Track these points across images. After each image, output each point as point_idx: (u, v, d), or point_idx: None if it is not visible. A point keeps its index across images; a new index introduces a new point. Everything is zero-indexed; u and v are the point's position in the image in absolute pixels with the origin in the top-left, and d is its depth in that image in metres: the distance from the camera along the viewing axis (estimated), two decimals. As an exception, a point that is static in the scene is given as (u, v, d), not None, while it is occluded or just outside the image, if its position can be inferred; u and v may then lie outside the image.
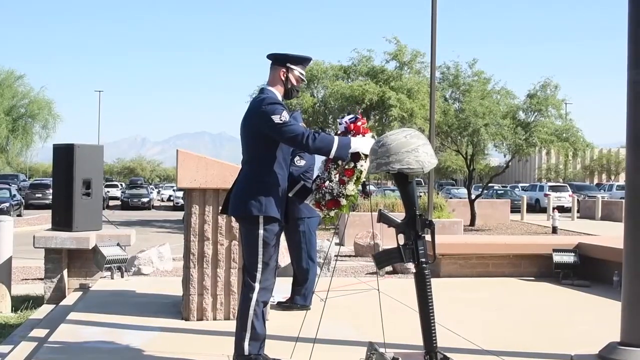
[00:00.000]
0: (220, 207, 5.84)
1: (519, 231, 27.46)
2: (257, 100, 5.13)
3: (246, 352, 4.98)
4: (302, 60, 5.30)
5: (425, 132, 24.97)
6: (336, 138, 4.98)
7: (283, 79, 5.21)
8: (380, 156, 4.47)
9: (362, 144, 4.97)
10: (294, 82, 5.26)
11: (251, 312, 4.97)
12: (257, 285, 5.00)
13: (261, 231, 4.98)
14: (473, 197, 30.39)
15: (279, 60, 5.24)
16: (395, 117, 27.16)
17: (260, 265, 5.01)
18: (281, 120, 4.91)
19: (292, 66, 5.22)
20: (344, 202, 5.03)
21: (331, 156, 4.97)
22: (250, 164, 5.11)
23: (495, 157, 44.39)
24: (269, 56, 5.30)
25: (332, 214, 5.13)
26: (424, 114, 26.85)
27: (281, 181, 5.11)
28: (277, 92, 5.20)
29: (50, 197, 39.83)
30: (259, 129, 5.01)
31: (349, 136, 5.02)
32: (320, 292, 7.08)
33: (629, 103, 5.55)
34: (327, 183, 5.07)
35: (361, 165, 5.02)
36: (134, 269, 11.55)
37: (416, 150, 4.39)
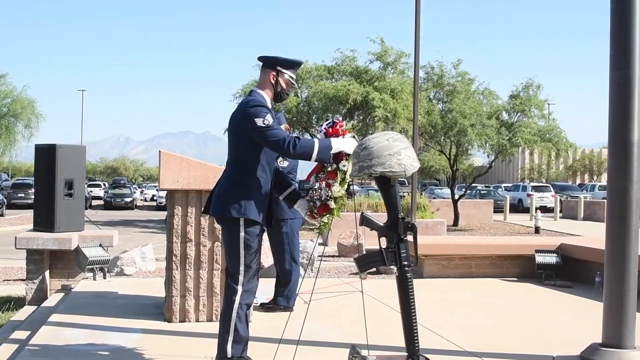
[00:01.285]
0: (202, 208, 5.82)
1: (502, 231, 27.53)
2: (243, 102, 5.13)
3: (229, 354, 4.97)
4: (293, 64, 5.28)
5: (409, 132, 25.04)
6: (316, 141, 4.97)
7: (273, 82, 5.19)
8: (362, 159, 4.47)
9: (343, 143, 4.98)
10: (284, 86, 5.23)
11: (234, 314, 4.96)
12: (239, 288, 4.99)
13: (242, 233, 4.96)
14: (456, 197, 30.45)
15: (269, 63, 5.22)
16: (379, 117, 27.15)
17: (242, 268, 5.00)
18: (264, 123, 4.90)
19: (282, 70, 5.20)
20: (333, 205, 5.03)
21: (313, 160, 4.97)
22: (234, 164, 5.09)
23: (479, 157, 44.57)
24: (260, 58, 5.29)
25: (325, 220, 5.13)
26: (408, 114, 26.86)
27: (264, 183, 5.09)
28: (266, 95, 5.19)
29: (32, 196, 39.54)
30: (243, 130, 5.01)
31: (334, 145, 5.00)
32: (303, 294, 7.07)
33: (611, 105, 5.57)
34: (316, 192, 5.08)
35: (344, 166, 5.03)
36: (117, 270, 11.51)
37: (398, 153, 4.39)
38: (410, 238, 4.60)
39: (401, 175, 4.45)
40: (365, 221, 4.64)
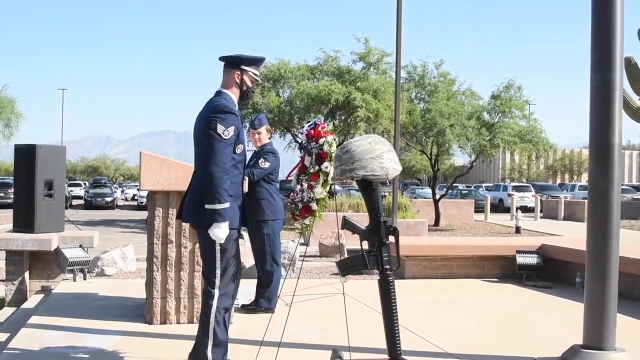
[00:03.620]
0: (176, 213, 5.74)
1: (483, 231, 27.61)
2: (211, 105, 5.05)
3: (209, 359, 4.95)
4: (256, 61, 5.24)
5: (391, 132, 25.05)
6: (224, 202, 4.79)
7: (238, 81, 5.15)
8: (344, 162, 4.45)
9: (221, 230, 4.81)
10: (249, 84, 5.20)
11: (212, 319, 4.94)
12: (216, 292, 4.97)
13: None
14: (437, 197, 30.51)
15: (232, 63, 5.17)
16: (361, 117, 27.16)
17: (218, 272, 4.97)
18: (223, 134, 4.84)
19: (246, 68, 5.16)
20: (315, 206, 5.02)
21: (206, 203, 4.80)
22: (204, 167, 4.97)
23: (460, 157, 44.62)
24: (222, 59, 5.23)
25: (307, 222, 5.11)
26: (390, 114, 26.89)
27: (236, 186, 5.05)
28: (233, 94, 5.15)
29: (12, 196, 39.24)
30: (204, 133, 4.95)
31: (220, 223, 4.79)
32: (285, 296, 7.05)
33: (592, 108, 5.60)
34: (298, 194, 5.06)
35: (326, 167, 5.02)
36: (97, 270, 11.44)
37: (380, 157, 4.38)
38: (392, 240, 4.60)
39: (383, 178, 4.45)
40: (347, 225, 4.63)
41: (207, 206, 4.79)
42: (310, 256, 12.42)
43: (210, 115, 4.92)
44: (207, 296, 4.98)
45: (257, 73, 5.26)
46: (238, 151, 5.04)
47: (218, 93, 5.17)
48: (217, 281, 4.97)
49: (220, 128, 4.84)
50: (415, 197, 39.45)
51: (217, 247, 4.94)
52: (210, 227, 4.82)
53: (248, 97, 5.25)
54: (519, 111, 29.20)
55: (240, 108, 5.08)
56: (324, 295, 8.37)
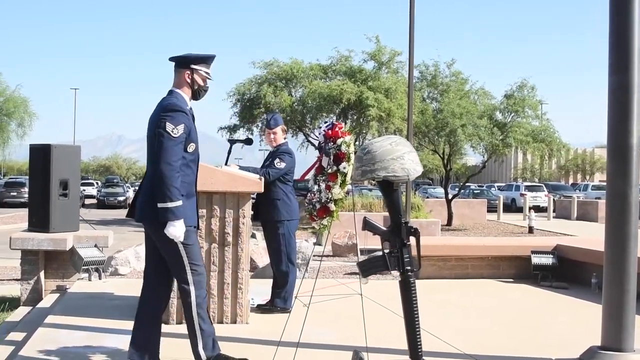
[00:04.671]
0: (127, 211, 5.67)
1: (496, 231, 27.54)
2: (162, 105, 5.04)
3: (203, 357, 4.99)
4: (206, 59, 5.22)
5: (403, 131, 25.02)
6: (176, 200, 4.81)
7: (189, 80, 5.14)
8: (365, 163, 4.43)
9: (176, 228, 4.83)
10: (201, 83, 5.18)
11: (195, 316, 4.99)
12: (191, 288, 4.99)
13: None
14: (450, 196, 30.45)
15: (181, 63, 5.16)
16: (373, 116, 27.16)
17: (188, 268, 4.99)
18: (172, 132, 4.85)
19: (196, 67, 5.14)
20: (333, 207, 5.01)
21: (158, 202, 4.81)
22: (154, 165, 4.94)
23: (472, 157, 44.54)
24: (171, 59, 5.22)
25: (325, 222, 5.10)
26: (402, 113, 26.86)
27: (188, 184, 5.04)
28: (185, 94, 5.14)
29: (26, 195, 39.54)
30: (153, 132, 4.94)
31: (174, 221, 4.81)
32: (301, 296, 7.02)
33: (610, 110, 5.57)
34: (315, 194, 5.04)
35: (344, 168, 5.00)
36: (111, 269, 11.47)
37: (402, 157, 4.36)
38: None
39: (404, 179, 4.42)
40: (367, 226, 4.60)
41: (159, 205, 4.80)
42: (323, 256, 12.40)
43: (161, 114, 4.93)
44: (185, 295, 5.00)
45: (209, 71, 5.23)
46: (190, 150, 5.03)
47: (170, 93, 5.16)
48: (189, 277, 4.99)
49: (169, 126, 4.85)
50: (428, 197, 39.39)
51: (180, 246, 4.94)
52: (164, 226, 4.83)
53: (200, 96, 5.25)
54: (532, 111, 29.10)
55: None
56: (339, 296, 8.34)
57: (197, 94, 5.21)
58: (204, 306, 5.05)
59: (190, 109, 5.11)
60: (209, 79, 5.24)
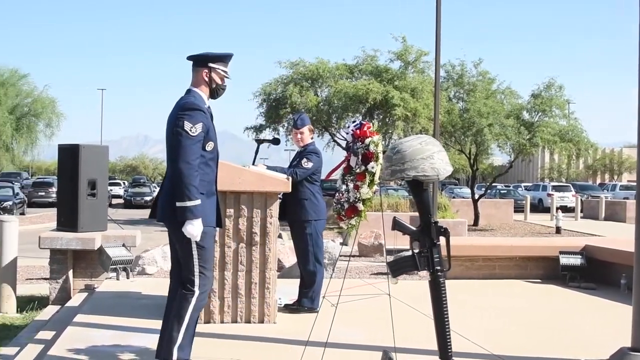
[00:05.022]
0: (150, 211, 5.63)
1: (523, 231, 27.39)
2: (180, 103, 5.04)
3: (174, 357, 4.92)
4: (223, 58, 5.19)
5: (429, 131, 24.94)
6: (195, 199, 4.80)
7: (206, 79, 5.12)
8: (395, 163, 4.40)
9: (194, 227, 4.83)
10: (219, 81, 5.16)
11: (187, 316, 4.94)
12: (196, 291, 4.97)
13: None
14: (476, 196, 30.31)
15: (199, 62, 5.15)
16: (399, 116, 27.10)
17: (197, 270, 4.97)
18: (190, 131, 4.85)
19: (214, 65, 5.12)
20: (361, 207, 4.99)
21: (176, 201, 4.81)
22: (173, 164, 4.96)
23: (498, 157, 44.32)
24: (189, 58, 5.20)
25: (353, 222, 5.09)
26: (428, 113, 26.79)
27: (208, 184, 5.04)
28: (203, 93, 5.12)
29: (53, 195, 39.74)
30: (172, 131, 4.95)
31: (192, 220, 4.81)
32: (329, 296, 7.01)
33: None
34: (343, 194, 5.03)
35: (372, 167, 4.98)
36: (138, 269, 11.53)
37: (431, 157, 4.33)
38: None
39: (434, 179, 4.39)
40: (397, 226, 4.58)
41: (177, 204, 4.80)
42: (349, 256, 12.40)
43: (178, 113, 4.93)
44: (187, 294, 4.96)
45: (226, 70, 5.21)
46: (208, 148, 5.01)
47: (188, 91, 5.15)
48: (197, 280, 4.97)
49: (187, 125, 4.84)
50: (454, 197, 39.28)
51: (194, 246, 4.93)
52: (183, 225, 4.82)
53: (218, 95, 5.23)
54: (560, 110, 28.90)
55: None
56: (367, 296, 8.34)
57: (215, 93, 5.19)
58: (199, 311, 5.05)
59: (209, 107, 5.10)
60: (226, 77, 5.23)
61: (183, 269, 5.04)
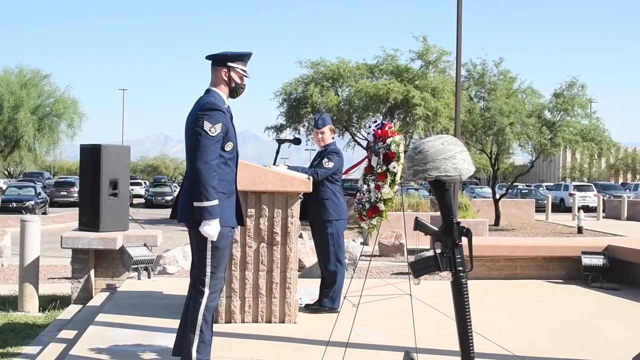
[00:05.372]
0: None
1: (544, 231, 27.27)
2: (199, 103, 5.02)
3: (194, 358, 4.93)
4: (242, 57, 5.17)
5: (450, 131, 24.88)
6: (212, 199, 4.80)
7: (226, 78, 5.11)
8: (417, 163, 4.38)
9: (211, 227, 4.83)
10: (238, 81, 5.15)
11: (200, 317, 4.94)
12: (206, 291, 4.96)
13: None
14: (497, 196, 30.21)
15: (218, 61, 5.13)
16: (419, 116, 27.05)
17: (208, 270, 4.97)
18: (210, 131, 4.84)
19: (233, 64, 5.10)
20: (382, 207, 4.97)
21: (194, 201, 4.82)
22: (192, 164, 4.97)
23: (519, 156, 44.11)
24: (208, 57, 5.19)
25: (374, 222, 5.07)
26: (449, 112, 26.72)
27: (227, 184, 5.04)
28: (222, 92, 5.11)
29: (75, 194, 39.85)
30: (191, 131, 4.94)
31: (209, 221, 4.82)
32: (350, 296, 7.00)
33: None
34: (365, 194, 5.02)
35: (394, 167, 4.96)
36: (159, 268, 11.58)
37: (454, 157, 4.31)
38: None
39: (456, 179, 4.36)
40: (419, 226, 4.55)
41: (195, 204, 4.80)
42: (370, 255, 12.39)
43: (198, 113, 4.91)
44: (198, 294, 4.97)
45: (245, 69, 5.19)
46: (227, 148, 5.01)
47: (207, 91, 5.14)
48: (208, 279, 4.97)
49: (207, 125, 4.83)
50: (475, 197, 39.13)
51: (209, 246, 4.93)
52: (200, 225, 4.83)
53: (238, 94, 5.21)
54: (582, 109, 28.73)
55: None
56: (388, 296, 8.31)
57: (234, 92, 5.18)
58: (212, 311, 5.04)
59: (228, 107, 5.09)
60: (246, 76, 5.21)
61: (196, 267, 5.06)
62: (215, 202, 4.80)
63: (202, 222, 4.81)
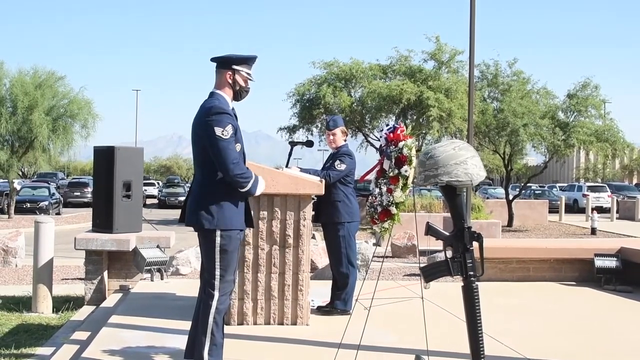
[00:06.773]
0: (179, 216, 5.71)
1: (557, 232, 27.19)
2: (205, 107, 5.03)
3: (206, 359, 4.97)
4: (247, 60, 5.18)
5: (463, 132, 24.82)
6: (254, 176, 5.05)
7: (230, 81, 5.12)
8: (428, 168, 4.38)
9: (261, 186, 5.14)
10: (242, 84, 5.15)
11: (211, 320, 4.97)
12: (216, 294, 4.99)
13: (218, 239, 4.96)
14: (510, 197, 30.12)
15: (223, 64, 5.14)
16: (433, 117, 27.00)
17: (217, 273, 4.99)
18: (222, 134, 4.87)
19: (237, 67, 5.11)
20: (394, 210, 4.98)
21: (244, 189, 4.99)
22: (202, 170, 5.03)
23: (533, 157, 43.98)
24: (213, 60, 5.20)
25: (386, 225, 5.08)
26: (462, 113, 26.67)
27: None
28: (226, 95, 5.12)
29: (89, 195, 39.99)
30: (202, 138, 4.97)
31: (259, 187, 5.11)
32: (362, 299, 7.01)
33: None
34: (377, 198, 5.03)
35: (405, 171, 4.97)
36: (172, 269, 11.62)
37: (465, 162, 4.31)
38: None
39: (467, 184, 4.36)
40: (430, 231, 4.55)
41: (242, 190, 4.99)
42: (382, 257, 12.39)
43: (206, 119, 4.94)
44: (207, 297, 5.00)
45: (250, 72, 5.20)
46: (236, 149, 5.04)
47: (211, 94, 5.15)
48: (217, 282, 5.00)
49: (218, 130, 4.87)
50: (488, 198, 39.05)
51: (217, 249, 4.96)
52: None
53: (241, 97, 5.22)
54: (596, 110, 28.61)
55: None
56: (400, 299, 8.32)
57: (238, 95, 5.19)
58: (222, 314, 5.06)
59: (233, 109, 5.12)
60: (250, 79, 5.21)
61: (205, 271, 5.08)
62: (253, 178, 5.02)
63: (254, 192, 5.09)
